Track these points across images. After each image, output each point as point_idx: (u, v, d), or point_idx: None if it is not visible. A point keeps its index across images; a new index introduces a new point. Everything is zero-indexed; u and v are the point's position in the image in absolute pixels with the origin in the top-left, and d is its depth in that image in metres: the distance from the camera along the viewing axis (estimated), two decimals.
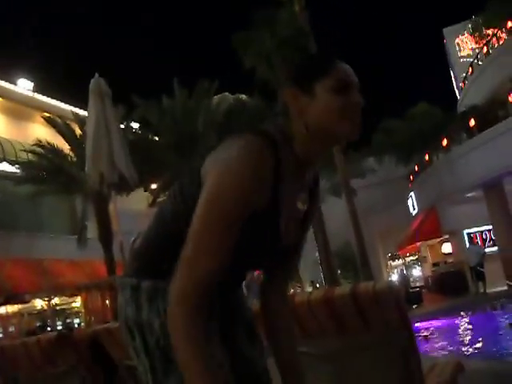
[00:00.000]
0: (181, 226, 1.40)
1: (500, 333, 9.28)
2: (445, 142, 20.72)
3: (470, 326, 10.97)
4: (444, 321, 12.52)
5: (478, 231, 22.01)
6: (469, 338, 9.31)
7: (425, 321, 12.15)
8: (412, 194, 24.91)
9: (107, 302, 14.85)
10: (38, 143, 17.85)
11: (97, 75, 7.86)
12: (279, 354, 1.68)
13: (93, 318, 15.60)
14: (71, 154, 17.82)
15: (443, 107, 27.68)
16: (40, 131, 20.74)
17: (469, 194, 19.95)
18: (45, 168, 17.89)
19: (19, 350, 3.00)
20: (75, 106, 21.77)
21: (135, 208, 24.49)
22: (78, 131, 17.81)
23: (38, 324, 18.61)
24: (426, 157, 22.55)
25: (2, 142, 20.72)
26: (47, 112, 20.95)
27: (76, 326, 19.30)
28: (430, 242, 25.37)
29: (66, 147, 18.09)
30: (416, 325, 11.12)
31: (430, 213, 22.60)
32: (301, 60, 1.61)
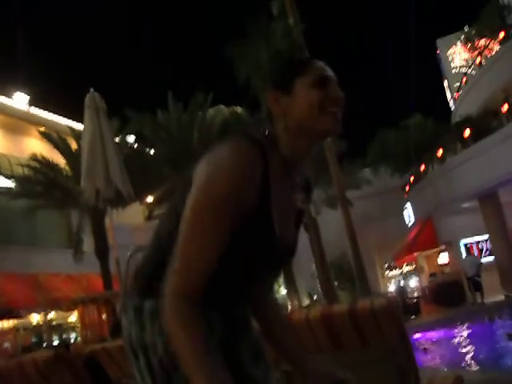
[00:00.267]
0: (177, 240, 1.40)
1: (498, 344, 9.26)
2: (440, 153, 20.77)
3: (469, 337, 10.94)
4: (442, 332, 12.49)
5: (474, 241, 22.02)
6: (467, 349, 9.28)
7: (423, 332, 12.13)
8: (408, 204, 24.93)
9: (104, 316, 14.74)
10: (34, 157, 17.84)
11: (92, 90, 7.87)
12: (276, 342, 1.71)
13: (89, 333, 15.49)
14: (67, 168, 17.80)
15: (437, 117, 27.84)
16: (36, 145, 20.73)
17: (464, 205, 19.98)
18: (40, 182, 17.86)
19: (15, 370, 2.97)
20: (71, 119, 21.82)
21: (131, 222, 24.50)
22: (74, 145, 17.82)
23: (33, 340, 18.48)
24: (422, 167, 22.60)
25: None
26: (43, 126, 20.97)
27: (72, 341, 19.19)
28: (426, 253, 25.35)
29: (61, 161, 18.08)
30: (414, 336, 11.10)
31: (427, 223, 22.62)
32: (277, 64, 1.65)
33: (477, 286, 18.60)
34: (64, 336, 20.51)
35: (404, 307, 17.17)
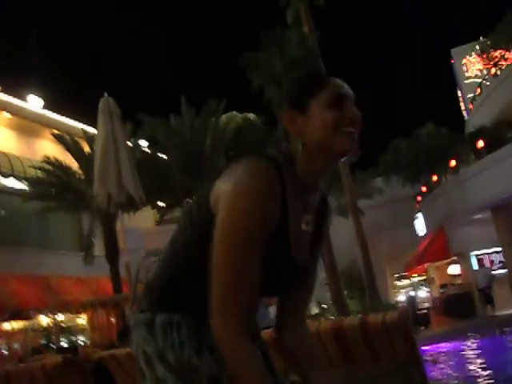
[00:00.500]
0: (192, 255, 1.39)
1: (509, 357, 9.16)
2: (453, 163, 20.67)
3: (479, 350, 10.83)
4: (452, 344, 12.38)
5: (486, 253, 21.84)
6: (478, 362, 9.19)
7: (433, 344, 12.03)
8: (419, 214, 24.81)
9: (113, 319, 14.80)
10: (47, 160, 17.95)
11: (106, 95, 7.89)
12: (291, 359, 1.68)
13: (98, 336, 15.54)
14: (79, 171, 17.89)
15: (450, 127, 27.71)
16: (49, 148, 20.88)
17: (477, 216, 19.84)
18: (53, 185, 17.96)
19: (24, 374, 2.98)
20: (84, 123, 21.94)
21: (142, 226, 24.58)
22: (87, 149, 17.91)
23: (42, 341, 18.54)
24: (434, 177, 22.50)
25: (11, 158, 20.86)
26: (56, 129, 21.10)
27: (81, 343, 19.22)
28: (437, 264, 25.21)
29: (74, 164, 18.17)
30: (424, 348, 11.01)
31: (438, 234, 22.48)
32: (293, 82, 1.63)
33: (488, 298, 18.46)
34: (73, 338, 20.55)
35: (414, 318, 17.04)
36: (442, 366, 9.09)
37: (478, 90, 26.57)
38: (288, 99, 1.51)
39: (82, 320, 19.77)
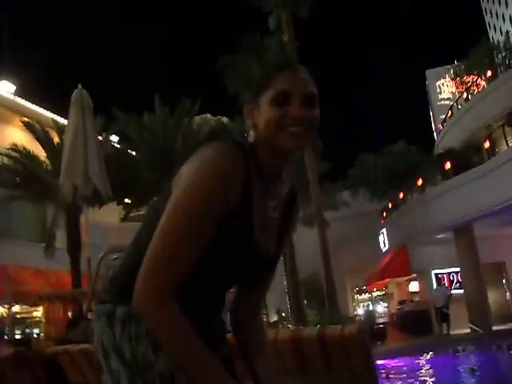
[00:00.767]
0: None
1: (461, 377, 9.31)
2: (420, 182, 20.99)
3: (432, 368, 10.99)
4: (406, 360, 12.53)
5: (445, 272, 22.22)
6: (430, 380, 9.32)
7: (388, 358, 12.16)
8: (384, 230, 25.10)
9: (69, 314, 14.56)
10: (14, 147, 17.62)
11: (80, 86, 7.80)
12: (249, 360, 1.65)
13: (53, 330, 15.27)
14: (47, 161, 17.60)
15: (420, 147, 28.17)
16: (18, 135, 20.48)
17: (439, 236, 20.18)
18: (18, 173, 17.63)
19: None
20: (56, 114, 21.60)
21: (106, 221, 24.26)
22: (57, 139, 17.63)
23: None
24: (401, 195, 22.80)
25: None
26: (27, 117, 20.72)
27: (35, 336, 18.88)
28: (398, 280, 25.54)
29: (42, 154, 17.87)
30: (379, 362, 11.12)
31: (401, 251, 22.78)
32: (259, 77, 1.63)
33: (444, 317, 18.76)
34: (27, 330, 20.17)
35: (371, 332, 17.21)
36: (395, 381, 9.19)
37: (449, 112, 27.06)
38: (252, 92, 1.53)
39: (39, 313, 19.43)
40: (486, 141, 20.83)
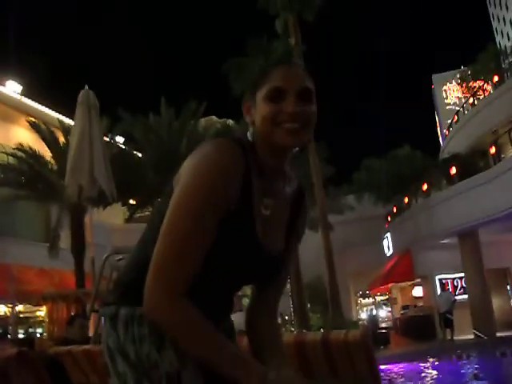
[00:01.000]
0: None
1: (464, 383, 9.27)
2: (425, 187, 20.93)
3: (435, 374, 10.95)
4: (410, 365, 12.49)
5: (450, 278, 22.14)
6: None
7: (391, 363, 12.11)
8: (388, 234, 25.04)
9: (72, 314, 14.58)
10: (20, 147, 17.67)
11: (86, 87, 7.81)
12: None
13: (56, 330, 15.29)
14: (52, 161, 17.64)
15: (425, 151, 28.12)
16: (23, 135, 20.53)
17: (444, 241, 20.11)
18: (24, 173, 17.67)
19: None
20: (62, 114, 21.66)
21: (111, 222, 24.30)
22: (62, 139, 17.68)
23: None
24: (406, 199, 22.75)
25: None
26: (33, 117, 20.77)
27: (38, 335, 18.91)
28: (401, 284, 25.46)
29: (48, 154, 17.91)
30: (382, 367, 11.08)
31: (405, 255, 22.71)
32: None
33: (448, 323, 18.70)
34: (30, 330, 20.21)
35: (374, 337, 17.17)
36: None
37: (455, 117, 27.01)
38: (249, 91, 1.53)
39: (42, 313, 19.47)
40: (491, 146, 20.79)
